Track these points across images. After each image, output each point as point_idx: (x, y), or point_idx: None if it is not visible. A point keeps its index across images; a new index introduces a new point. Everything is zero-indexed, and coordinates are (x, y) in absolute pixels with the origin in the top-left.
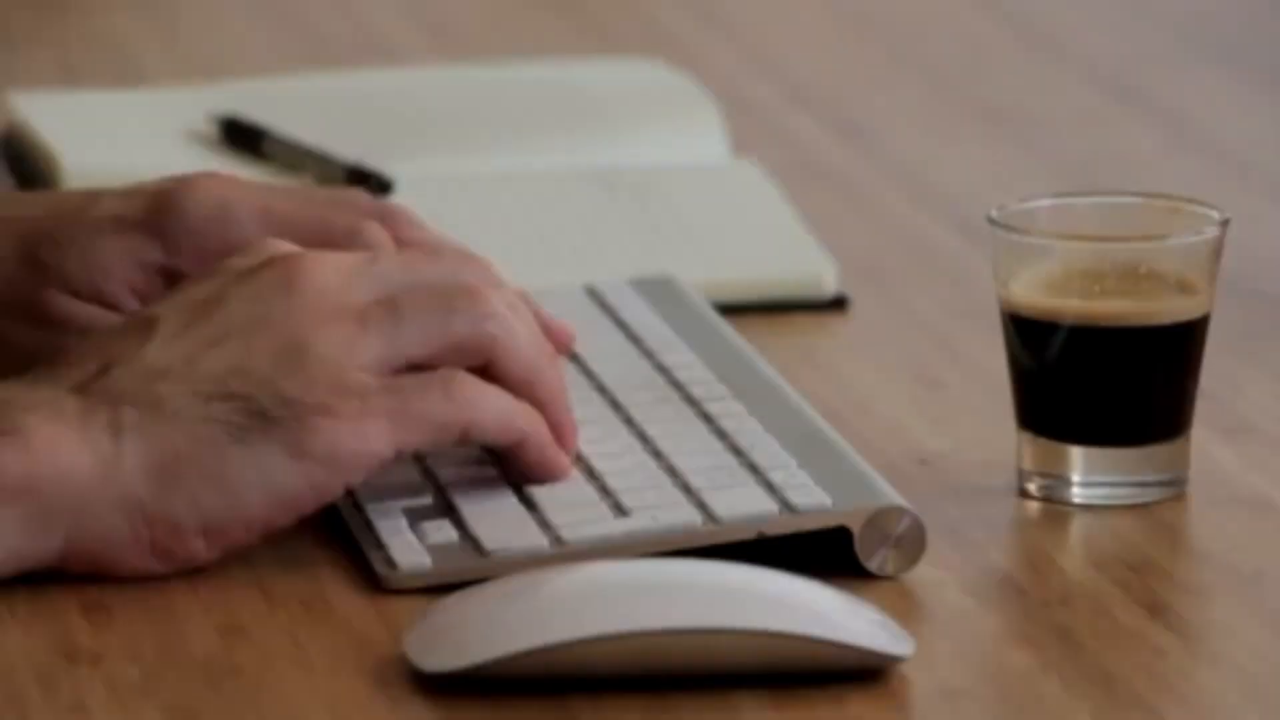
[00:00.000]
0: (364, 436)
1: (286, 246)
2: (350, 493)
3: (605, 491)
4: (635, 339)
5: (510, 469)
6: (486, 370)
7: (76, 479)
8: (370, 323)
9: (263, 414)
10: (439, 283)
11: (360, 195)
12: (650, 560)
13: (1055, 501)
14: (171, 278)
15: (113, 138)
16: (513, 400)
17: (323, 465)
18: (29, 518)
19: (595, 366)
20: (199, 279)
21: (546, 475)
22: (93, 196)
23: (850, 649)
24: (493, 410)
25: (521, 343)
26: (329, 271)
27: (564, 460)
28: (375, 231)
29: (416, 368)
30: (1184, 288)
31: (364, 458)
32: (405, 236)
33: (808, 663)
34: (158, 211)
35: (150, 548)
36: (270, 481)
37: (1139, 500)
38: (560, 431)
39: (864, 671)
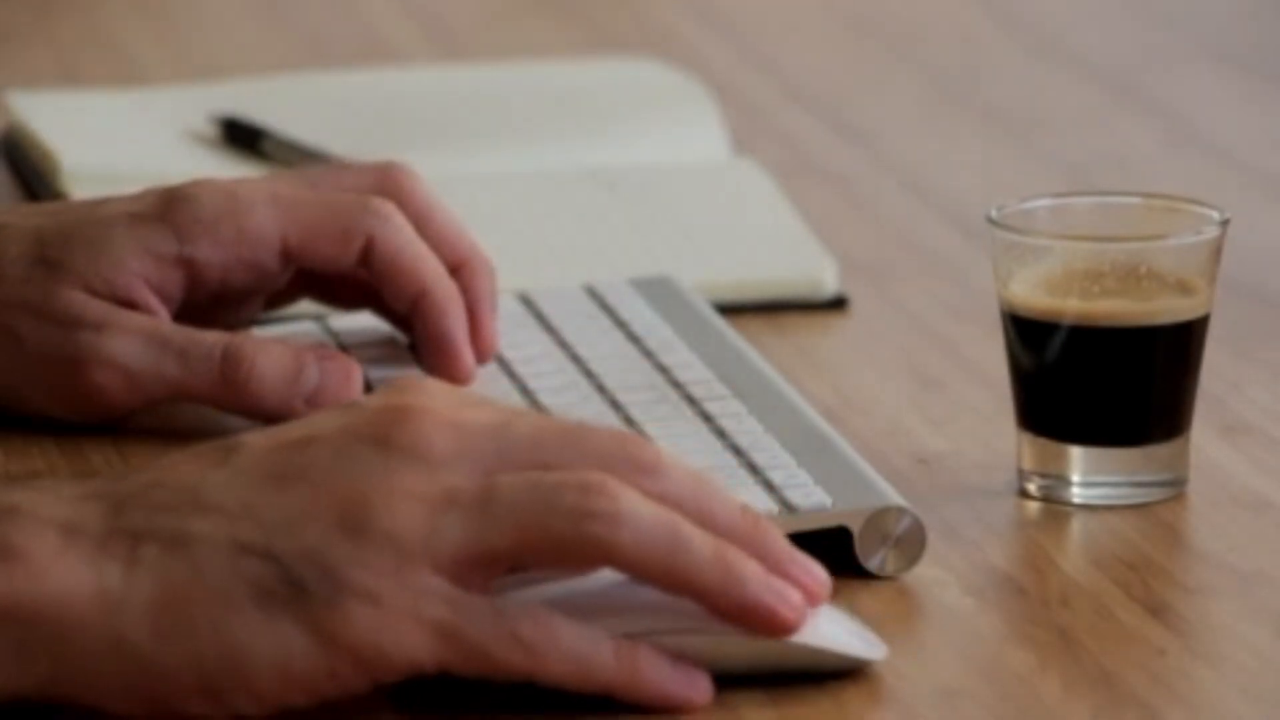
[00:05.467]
0: (403, 643)
1: (420, 392)
2: None
3: None
4: (635, 339)
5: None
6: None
7: (70, 612)
8: (457, 502)
9: (296, 583)
10: (563, 464)
11: (356, 165)
12: None
13: (1055, 501)
14: (188, 269)
15: (113, 138)
16: (597, 647)
17: (347, 658)
18: (9, 646)
19: (595, 366)
20: (311, 413)
21: None
22: (101, 200)
23: (821, 653)
24: (566, 662)
25: (632, 553)
26: (443, 437)
27: None
28: (381, 205)
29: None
30: (1184, 288)
31: (397, 665)
32: (406, 192)
33: (786, 664)
34: (168, 204)
35: (144, 697)
36: (284, 660)
37: (1138, 500)
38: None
39: (863, 672)
